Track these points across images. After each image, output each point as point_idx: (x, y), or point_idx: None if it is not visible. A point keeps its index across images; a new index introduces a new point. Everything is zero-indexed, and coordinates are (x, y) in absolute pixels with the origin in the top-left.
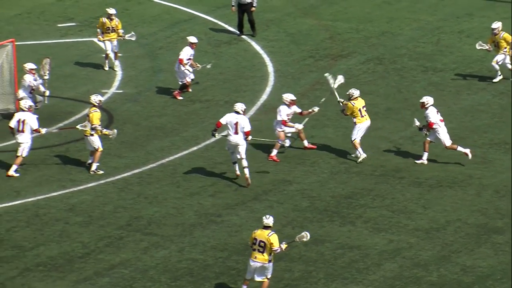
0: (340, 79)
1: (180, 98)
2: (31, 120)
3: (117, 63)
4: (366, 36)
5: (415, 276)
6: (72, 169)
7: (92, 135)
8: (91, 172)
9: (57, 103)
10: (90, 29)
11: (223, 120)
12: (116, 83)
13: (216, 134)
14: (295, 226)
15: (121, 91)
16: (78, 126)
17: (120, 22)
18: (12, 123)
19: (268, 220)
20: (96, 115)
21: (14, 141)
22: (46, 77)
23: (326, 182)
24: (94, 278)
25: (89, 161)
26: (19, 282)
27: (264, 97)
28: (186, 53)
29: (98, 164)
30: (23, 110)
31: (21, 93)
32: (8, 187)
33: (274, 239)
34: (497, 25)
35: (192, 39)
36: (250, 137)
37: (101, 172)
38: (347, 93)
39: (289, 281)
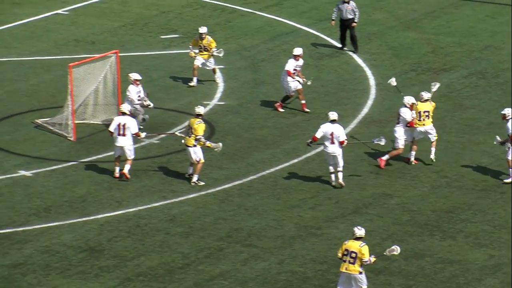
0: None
1: (282, 110)
2: (131, 124)
3: (218, 74)
4: (469, 50)
5: None
6: (173, 180)
7: (195, 146)
8: (192, 183)
9: (159, 114)
10: None
11: (318, 134)
12: (218, 95)
13: (311, 145)
14: (395, 240)
15: (222, 103)
16: (177, 132)
17: (213, 40)
18: (112, 127)
19: (361, 231)
20: (201, 127)
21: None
22: (150, 105)
23: (427, 196)
24: None
25: (189, 173)
26: None
27: (365, 110)
28: (291, 64)
29: (198, 176)
30: (124, 114)
31: (126, 106)
32: (110, 197)
33: (365, 250)
34: None
35: (296, 51)
36: (345, 143)
37: (202, 183)
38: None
39: None
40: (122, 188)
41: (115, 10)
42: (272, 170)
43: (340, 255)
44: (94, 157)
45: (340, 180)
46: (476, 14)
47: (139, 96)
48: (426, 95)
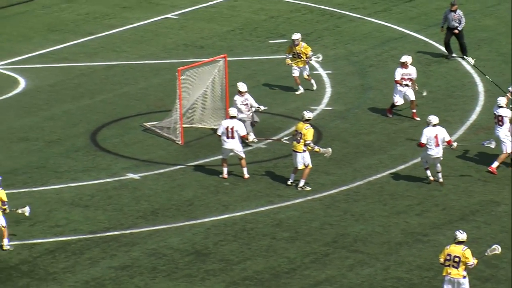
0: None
1: (390, 116)
2: (239, 127)
3: (313, 81)
4: None
5: None
6: (280, 185)
7: (304, 151)
8: (299, 188)
9: (266, 119)
10: None
11: (424, 139)
12: (325, 100)
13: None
14: (503, 248)
15: (330, 108)
16: (283, 139)
17: (307, 46)
18: (220, 131)
19: (463, 235)
20: (310, 132)
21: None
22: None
23: None
24: None
25: (290, 180)
26: None
27: (473, 116)
28: (398, 73)
29: (304, 181)
30: (233, 117)
31: (234, 110)
32: (216, 201)
33: (468, 253)
34: None
35: (402, 58)
36: (455, 144)
37: (309, 188)
38: None
39: None
40: (229, 192)
41: (224, 15)
42: (378, 176)
43: (442, 260)
44: (202, 161)
45: (441, 179)
46: None
47: (246, 105)
48: None
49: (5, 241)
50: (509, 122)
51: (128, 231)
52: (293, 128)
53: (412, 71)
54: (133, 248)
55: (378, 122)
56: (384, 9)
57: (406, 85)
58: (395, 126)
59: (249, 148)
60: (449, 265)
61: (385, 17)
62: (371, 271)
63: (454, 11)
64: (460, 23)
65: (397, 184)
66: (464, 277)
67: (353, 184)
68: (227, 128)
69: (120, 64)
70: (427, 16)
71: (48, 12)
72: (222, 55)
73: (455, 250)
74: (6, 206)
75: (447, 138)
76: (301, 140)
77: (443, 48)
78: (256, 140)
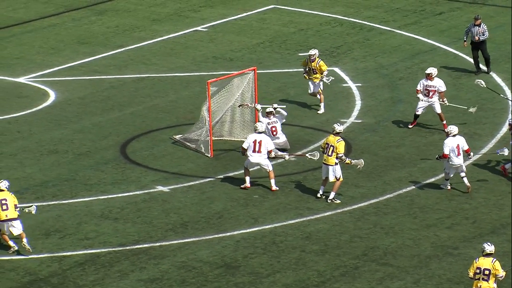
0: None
1: (410, 126)
2: (267, 141)
3: (322, 105)
4: None
5: None
6: (309, 198)
7: (336, 164)
8: (329, 201)
9: (296, 132)
10: (330, 59)
11: (447, 150)
12: (355, 113)
13: (440, 159)
14: None
15: (359, 121)
16: (307, 155)
17: (323, 64)
18: (245, 144)
19: (491, 247)
20: (342, 145)
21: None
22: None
23: None
24: None
25: (320, 193)
26: None
27: (503, 129)
28: (420, 83)
29: (335, 193)
30: (260, 133)
31: (261, 125)
32: (246, 214)
33: (498, 265)
34: None
35: (427, 70)
36: (472, 153)
37: (338, 201)
38: None
39: None
40: (258, 205)
41: (254, 27)
42: (408, 188)
43: (471, 274)
44: (231, 174)
45: (468, 183)
46: None
47: (271, 127)
48: None
49: (24, 241)
50: None
51: (158, 244)
52: (322, 141)
53: (437, 83)
54: (163, 261)
55: (408, 135)
56: (414, 21)
57: (431, 96)
58: (425, 139)
59: (279, 161)
60: (479, 279)
61: (415, 29)
62: (401, 284)
63: (479, 25)
64: (483, 35)
65: (427, 197)
66: None
67: (383, 197)
68: (254, 142)
69: (149, 76)
70: (457, 29)
71: (78, 24)
72: (252, 68)
73: (484, 263)
74: (17, 209)
75: (466, 147)
76: (333, 153)
77: (473, 61)
78: (279, 154)
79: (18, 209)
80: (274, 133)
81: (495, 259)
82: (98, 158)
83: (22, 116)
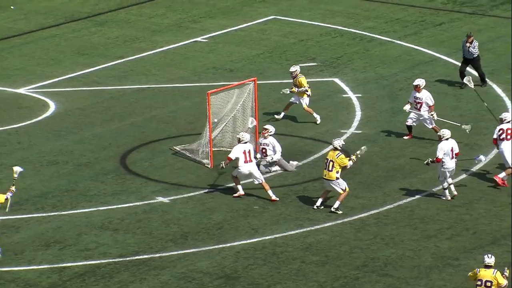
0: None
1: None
2: (253, 149)
3: (315, 115)
4: None
5: None
6: (309, 208)
7: (337, 178)
8: (332, 209)
9: (296, 142)
10: (331, 69)
11: (441, 154)
12: (355, 124)
13: (430, 164)
14: None
15: (359, 132)
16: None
17: (303, 80)
18: (233, 155)
19: (491, 260)
20: (342, 158)
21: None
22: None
23: None
24: None
25: (317, 204)
26: None
27: None
28: (412, 95)
29: (340, 203)
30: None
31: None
32: (246, 225)
33: (499, 276)
34: None
35: (415, 81)
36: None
37: (340, 212)
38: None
39: None
40: (258, 215)
41: (254, 38)
42: (409, 199)
43: (471, 277)
44: (231, 184)
45: (454, 192)
46: None
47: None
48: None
49: None
50: None
51: (158, 255)
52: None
53: (423, 96)
54: (163, 272)
55: (408, 146)
56: (414, 32)
57: (419, 109)
58: (426, 149)
59: (280, 171)
60: None
61: (415, 40)
62: None
63: (471, 43)
64: (475, 53)
65: (427, 208)
66: None
67: (383, 208)
68: (244, 153)
69: (149, 87)
70: (457, 40)
71: (78, 35)
72: (252, 78)
73: (486, 275)
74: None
75: (457, 150)
76: (334, 168)
77: (474, 72)
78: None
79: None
80: (264, 154)
81: (496, 270)
82: (98, 169)
83: (22, 127)
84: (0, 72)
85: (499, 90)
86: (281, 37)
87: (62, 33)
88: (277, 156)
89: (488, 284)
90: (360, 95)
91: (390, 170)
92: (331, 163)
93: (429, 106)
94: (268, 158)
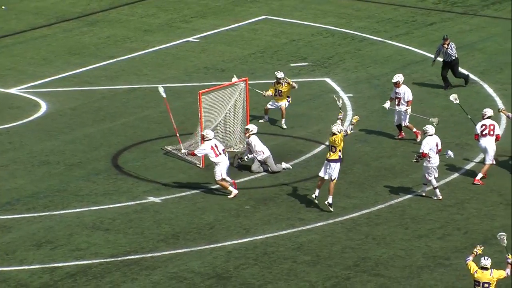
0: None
1: (397, 137)
2: (219, 142)
3: (283, 121)
4: None
5: None
6: (301, 208)
7: (340, 158)
8: (326, 203)
9: (287, 142)
10: (322, 69)
11: (426, 149)
12: (346, 123)
13: (419, 160)
14: None
15: (351, 131)
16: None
17: (288, 86)
18: (201, 152)
19: (487, 262)
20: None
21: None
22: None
23: None
24: None
25: (316, 193)
26: None
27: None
28: (393, 91)
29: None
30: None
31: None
32: (237, 225)
33: (497, 273)
34: None
35: (394, 78)
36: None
37: (331, 210)
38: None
39: None
40: (249, 215)
41: (245, 38)
42: (400, 199)
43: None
44: (221, 187)
45: (439, 195)
46: None
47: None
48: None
49: None
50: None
51: (149, 255)
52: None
53: (402, 90)
54: (154, 272)
55: (400, 146)
56: (405, 32)
57: (398, 104)
58: (417, 149)
59: (270, 171)
60: None
61: (406, 40)
62: None
63: (448, 45)
64: (454, 55)
65: (418, 208)
66: None
67: (375, 208)
68: (212, 148)
69: (141, 87)
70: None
71: (69, 35)
72: (243, 78)
73: (483, 277)
74: None
75: (440, 146)
76: (336, 149)
77: (465, 71)
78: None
79: None
80: (250, 154)
81: (493, 270)
82: (89, 169)
83: (13, 127)
84: None
85: (490, 90)
86: (273, 37)
87: (53, 33)
88: (257, 156)
89: (486, 285)
90: (351, 95)
91: (382, 169)
92: (333, 147)
93: (407, 101)
94: (245, 157)
